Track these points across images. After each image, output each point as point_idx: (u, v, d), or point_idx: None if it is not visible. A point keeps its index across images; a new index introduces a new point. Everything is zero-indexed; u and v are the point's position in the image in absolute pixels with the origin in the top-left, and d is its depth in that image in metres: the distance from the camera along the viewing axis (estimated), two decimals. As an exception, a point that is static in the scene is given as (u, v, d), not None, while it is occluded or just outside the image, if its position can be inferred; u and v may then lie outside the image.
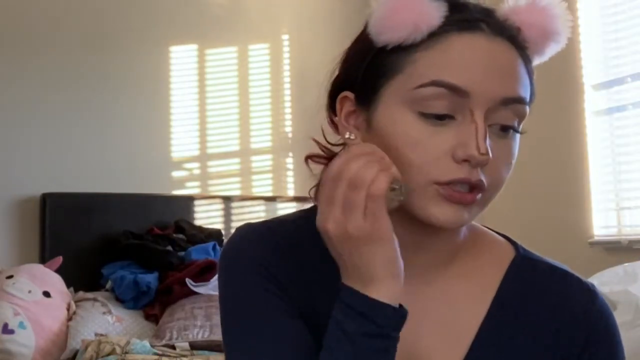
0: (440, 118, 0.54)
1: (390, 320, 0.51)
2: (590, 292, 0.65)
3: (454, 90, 0.52)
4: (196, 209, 2.87)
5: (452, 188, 0.53)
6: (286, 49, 3.26)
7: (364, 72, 0.59)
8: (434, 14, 0.54)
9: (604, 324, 0.63)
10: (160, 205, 2.77)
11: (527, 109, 0.56)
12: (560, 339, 0.63)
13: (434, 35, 0.54)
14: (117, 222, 2.59)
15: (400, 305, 0.51)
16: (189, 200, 2.90)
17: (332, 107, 0.63)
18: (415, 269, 0.60)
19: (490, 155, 0.52)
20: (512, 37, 0.56)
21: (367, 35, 0.57)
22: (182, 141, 2.98)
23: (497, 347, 0.62)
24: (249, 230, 0.67)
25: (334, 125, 0.63)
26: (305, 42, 3.22)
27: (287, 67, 3.21)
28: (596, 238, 2.64)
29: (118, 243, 2.49)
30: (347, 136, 0.60)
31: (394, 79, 0.56)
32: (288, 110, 3.19)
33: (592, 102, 2.67)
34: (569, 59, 2.54)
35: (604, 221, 2.66)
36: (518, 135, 0.57)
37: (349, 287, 0.52)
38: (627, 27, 2.59)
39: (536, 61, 0.59)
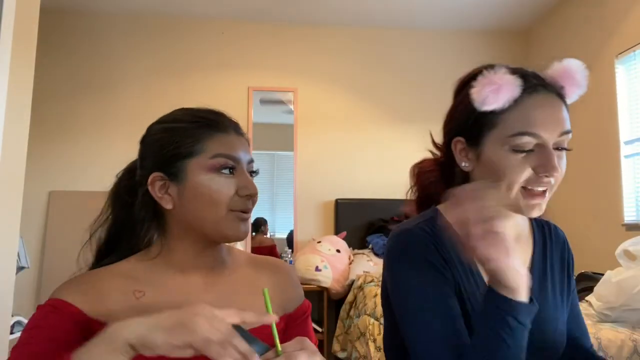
0: (526, 151, 0.80)
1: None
2: (559, 228, 1.03)
3: (531, 134, 0.80)
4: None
5: (532, 190, 0.82)
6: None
7: (471, 126, 0.86)
8: (517, 88, 0.80)
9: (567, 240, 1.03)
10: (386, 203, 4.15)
11: (571, 135, 0.82)
12: (564, 257, 1.01)
13: (514, 100, 0.80)
14: (375, 214, 4.06)
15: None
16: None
17: (439, 145, 0.97)
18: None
19: (558, 168, 0.77)
20: (558, 92, 0.82)
21: (467, 104, 0.84)
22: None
23: (543, 269, 0.95)
24: (410, 234, 0.87)
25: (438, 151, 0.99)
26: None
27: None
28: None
29: (374, 225, 3.99)
30: (463, 164, 0.90)
31: (492, 130, 0.83)
32: None
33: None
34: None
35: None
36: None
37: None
38: None
39: (569, 102, 0.84)
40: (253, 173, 0.87)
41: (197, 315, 0.60)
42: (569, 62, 0.84)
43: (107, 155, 4.00)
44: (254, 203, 0.85)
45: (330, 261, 3.56)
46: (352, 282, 3.51)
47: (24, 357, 0.70)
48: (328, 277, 3.48)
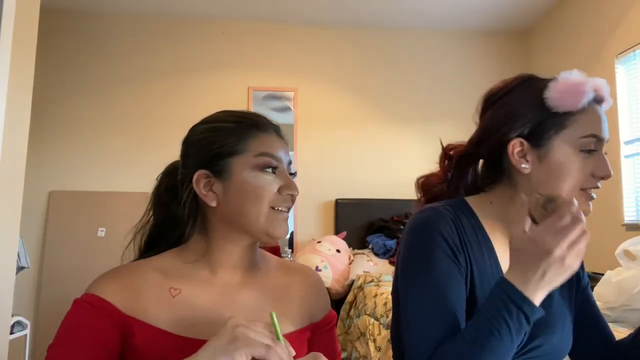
0: (591, 152, 0.86)
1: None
2: None
3: (599, 138, 0.86)
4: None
5: (589, 191, 0.87)
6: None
7: (537, 127, 0.88)
8: (591, 92, 0.86)
9: None
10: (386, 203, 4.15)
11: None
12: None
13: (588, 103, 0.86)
14: (375, 214, 4.08)
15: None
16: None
17: (490, 148, 0.92)
18: None
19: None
20: (601, 104, 0.90)
21: (533, 105, 0.88)
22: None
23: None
24: (432, 210, 0.88)
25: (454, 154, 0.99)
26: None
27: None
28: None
29: (374, 225, 3.99)
30: (522, 166, 0.89)
31: (563, 131, 0.86)
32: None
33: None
34: None
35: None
36: None
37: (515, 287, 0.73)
38: None
39: None
40: (292, 175, 0.89)
41: (238, 327, 0.63)
42: (599, 80, 0.89)
43: (107, 155, 4.02)
44: (293, 202, 0.87)
45: (330, 261, 3.56)
46: (352, 282, 3.51)
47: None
48: (328, 277, 3.48)
